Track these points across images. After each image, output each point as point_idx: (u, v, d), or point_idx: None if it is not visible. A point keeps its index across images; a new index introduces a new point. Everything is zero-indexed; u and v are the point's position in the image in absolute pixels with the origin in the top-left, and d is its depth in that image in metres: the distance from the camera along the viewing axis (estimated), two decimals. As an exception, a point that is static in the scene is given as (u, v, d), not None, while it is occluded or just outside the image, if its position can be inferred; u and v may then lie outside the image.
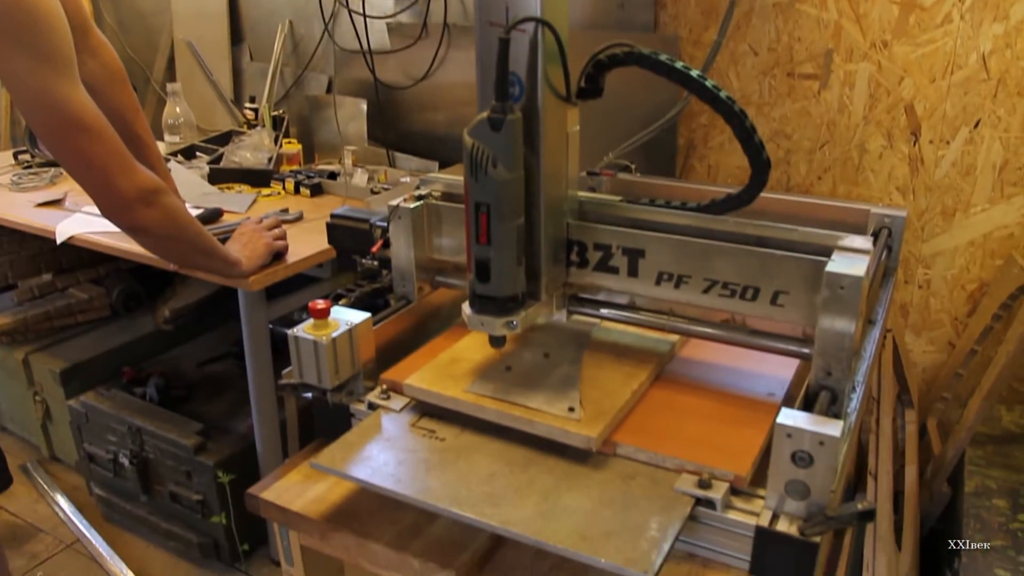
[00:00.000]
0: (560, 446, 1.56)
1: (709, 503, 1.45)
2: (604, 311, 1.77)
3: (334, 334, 1.64)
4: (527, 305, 1.59)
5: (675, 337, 1.82)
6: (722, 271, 1.58)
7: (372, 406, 1.71)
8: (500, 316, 1.56)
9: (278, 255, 2.68)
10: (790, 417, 1.35)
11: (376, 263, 1.89)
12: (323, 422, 1.73)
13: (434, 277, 1.91)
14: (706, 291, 1.61)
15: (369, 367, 1.75)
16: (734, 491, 1.47)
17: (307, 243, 2.83)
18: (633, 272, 1.67)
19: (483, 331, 1.58)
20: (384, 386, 1.74)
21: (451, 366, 1.73)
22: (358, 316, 1.71)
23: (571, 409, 1.57)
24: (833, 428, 1.33)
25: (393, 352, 1.82)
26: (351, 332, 1.68)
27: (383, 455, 1.56)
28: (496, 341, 1.62)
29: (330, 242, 1.96)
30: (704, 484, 1.46)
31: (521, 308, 1.57)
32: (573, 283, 1.73)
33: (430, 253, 1.87)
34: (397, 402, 1.73)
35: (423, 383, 1.69)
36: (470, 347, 1.80)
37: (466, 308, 1.58)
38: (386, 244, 1.87)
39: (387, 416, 1.68)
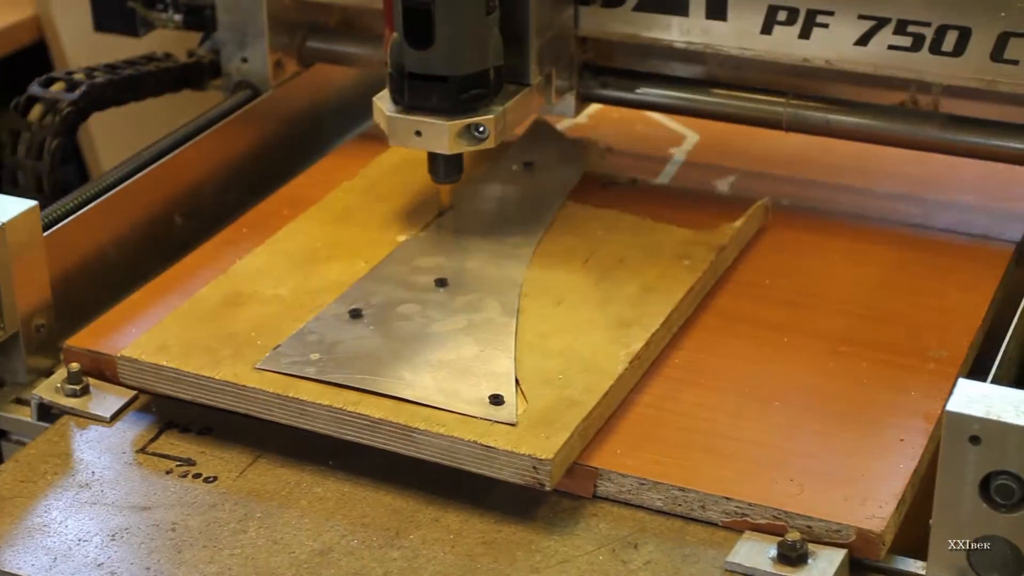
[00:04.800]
0: (474, 483, 1.15)
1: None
2: (654, 92, 1.49)
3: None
4: (506, 93, 1.33)
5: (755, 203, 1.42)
6: (897, -3, 1.39)
7: (48, 410, 1.27)
8: (455, 115, 1.28)
9: None
10: (974, 393, 0.98)
11: (179, 15, 1.61)
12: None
13: (303, 41, 1.62)
14: (864, 39, 1.35)
15: (38, 321, 1.33)
16: (856, 565, 1.09)
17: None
18: (717, 8, 1.40)
19: (418, 147, 1.30)
20: (75, 365, 1.27)
21: (226, 313, 1.29)
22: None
23: (496, 400, 1.14)
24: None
25: (101, 275, 1.40)
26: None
27: (78, 522, 1.14)
28: (443, 171, 1.33)
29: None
30: (789, 552, 1.06)
31: (495, 98, 1.32)
32: (594, 36, 1.47)
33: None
34: (106, 400, 1.27)
35: (162, 355, 1.22)
36: (273, 260, 1.36)
37: (384, 102, 1.31)
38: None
39: (85, 433, 1.25)
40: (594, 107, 1.60)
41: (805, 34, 1.37)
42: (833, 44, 1.38)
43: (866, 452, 1.13)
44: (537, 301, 1.27)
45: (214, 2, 1.59)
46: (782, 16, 1.37)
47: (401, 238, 1.38)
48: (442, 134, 1.29)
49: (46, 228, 1.34)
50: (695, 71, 1.51)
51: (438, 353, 1.20)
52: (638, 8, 1.41)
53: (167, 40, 1.78)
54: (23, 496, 1.16)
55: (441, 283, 1.29)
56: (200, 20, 1.60)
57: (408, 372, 1.17)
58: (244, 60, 1.60)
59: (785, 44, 1.39)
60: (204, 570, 1.08)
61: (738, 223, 1.37)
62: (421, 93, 1.30)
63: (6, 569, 1.09)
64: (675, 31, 1.42)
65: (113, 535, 1.11)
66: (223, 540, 1.10)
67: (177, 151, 1.50)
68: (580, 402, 1.13)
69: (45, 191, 1.50)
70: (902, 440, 1.12)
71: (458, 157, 1.33)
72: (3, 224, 1.26)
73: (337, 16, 1.63)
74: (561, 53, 1.45)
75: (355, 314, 1.25)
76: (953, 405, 0.96)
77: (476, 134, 1.29)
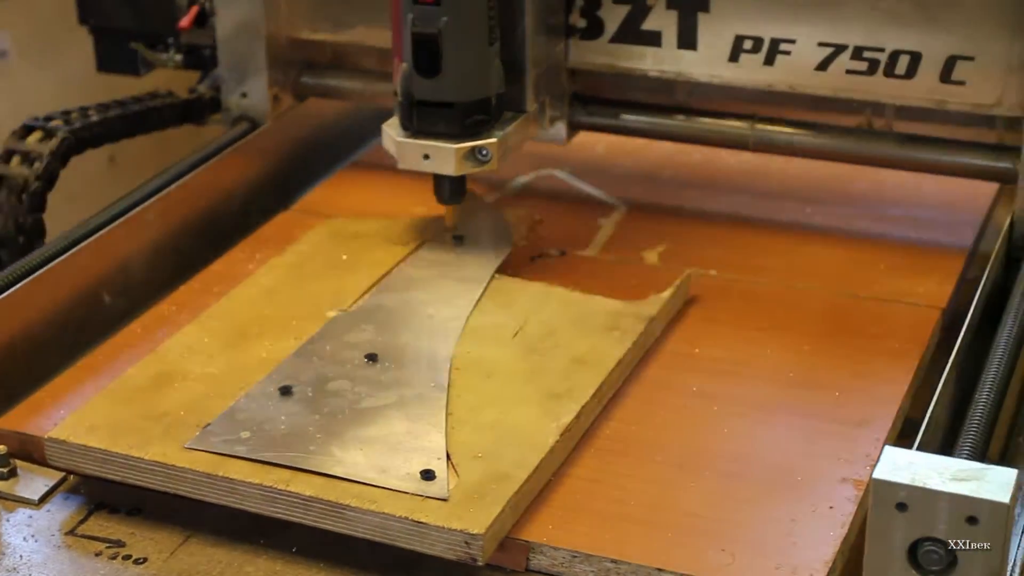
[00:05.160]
0: (407, 559, 1.11)
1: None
2: (634, 119, 1.56)
3: None
4: (505, 119, 1.39)
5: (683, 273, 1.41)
6: (852, 25, 1.39)
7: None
8: (460, 138, 1.33)
9: None
10: (900, 460, 0.95)
11: (179, 55, 1.66)
12: None
13: (298, 77, 1.66)
14: (824, 64, 1.42)
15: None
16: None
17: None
18: (688, 39, 1.45)
19: (426, 169, 1.36)
20: (2, 447, 1.23)
21: (155, 392, 1.24)
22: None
23: (427, 475, 1.13)
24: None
25: (28, 355, 1.35)
26: None
27: (5, 608, 1.11)
28: (448, 192, 1.38)
29: (83, 20, 1.69)
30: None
31: (496, 124, 1.37)
32: (579, 67, 1.54)
33: (294, 29, 1.63)
34: (34, 482, 1.23)
35: (90, 435, 1.18)
36: (202, 338, 1.32)
37: (392, 129, 1.37)
38: (202, 17, 1.62)
39: (12, 516, 1.20)
40: (523, 179, 1.60)
41: (769, 61, 1.44)
42: (795, 70, 1.44)
43: (796, 520, 1.11)
44: (467, 375, 1.27)
45: (214, 42, 1.63)
46: (748, 45, 1.44)
47: (331, 314, 1.37)
48: (449, 157, 1.35)
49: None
50: (670, 99, 1.56)
51: (369, 429, 1.18)
52: (614, 40, 1.48)
53: (113, 86, 1.74)
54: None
55: (371, 358, 1.29)
56: (199, 60, 1.65)
57: (339, 449, 1.15)
58: (244, 95, 1.64)
59: (751, 71, 1.45)
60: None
61: (667, 293, 1.37)
62: (429, 119, 1.36)
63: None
64: (649, 61, 1.48)
65: (41, 622, 1.08)
66: (152, 626, 1.08)
67: (104, 231, 1.46)
68: (511, 476, 1.11)
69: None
70: (831, 507, 1.11)
71: (462, 179, 1.39)
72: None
73: (329, 53, 1.67)
74: (553, 83, 1.51)
75: (285, 391, 1.23)
76: (879, 473, 0.95)
77: (479, 157, 1.35)
